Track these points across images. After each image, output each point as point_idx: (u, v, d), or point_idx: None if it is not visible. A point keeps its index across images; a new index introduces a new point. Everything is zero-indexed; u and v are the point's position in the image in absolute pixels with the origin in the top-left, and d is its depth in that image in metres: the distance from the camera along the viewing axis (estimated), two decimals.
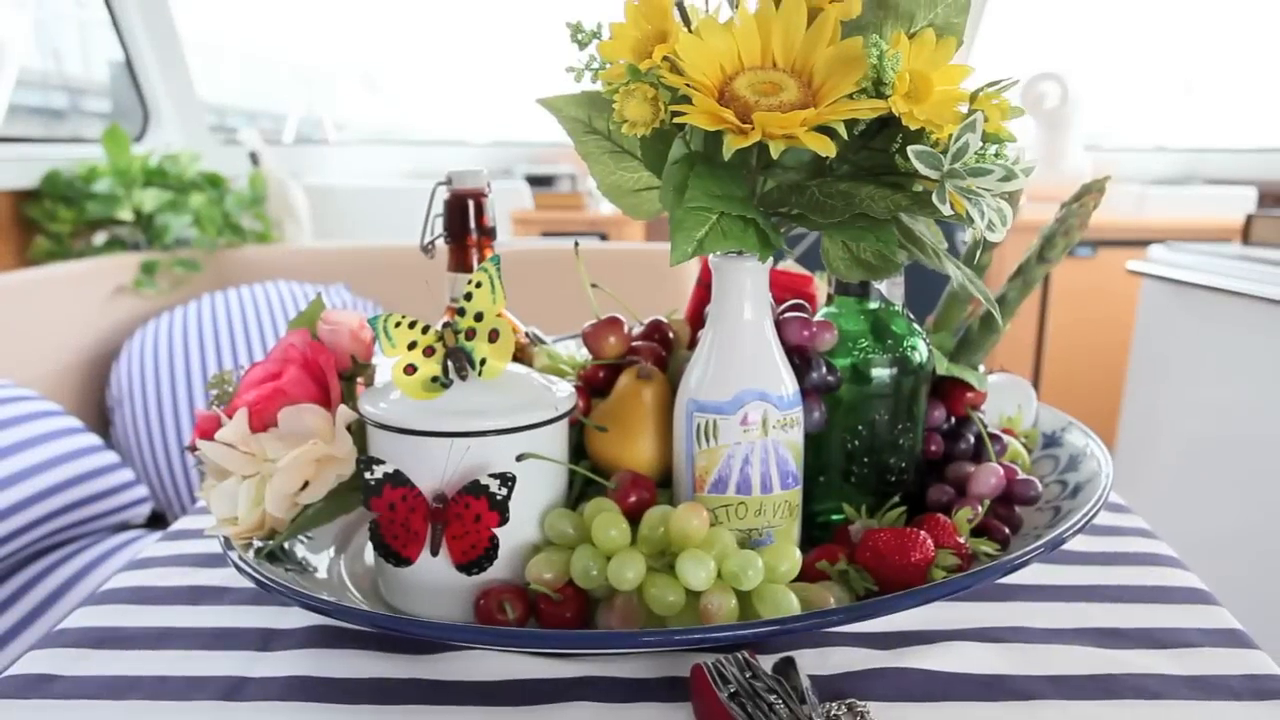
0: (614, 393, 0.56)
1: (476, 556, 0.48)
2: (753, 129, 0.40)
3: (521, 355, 0.66)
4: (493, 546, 0.48)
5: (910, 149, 0.40)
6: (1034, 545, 0.49)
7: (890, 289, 0.57)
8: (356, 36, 3.20)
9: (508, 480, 0.47)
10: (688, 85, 0.41)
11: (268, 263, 1.70)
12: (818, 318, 0.57)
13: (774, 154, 0.40)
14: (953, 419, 0.61)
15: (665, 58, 0.42)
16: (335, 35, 3.20)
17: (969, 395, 0.60)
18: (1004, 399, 0.72)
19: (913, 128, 0.40)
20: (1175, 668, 0.48)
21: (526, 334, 0.70)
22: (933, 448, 0.60)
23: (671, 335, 0.61)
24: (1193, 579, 0.58)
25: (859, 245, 0.45)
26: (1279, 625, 1.63)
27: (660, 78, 0.42)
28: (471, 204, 0.62)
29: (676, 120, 0.40)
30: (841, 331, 0.57)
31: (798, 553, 0.48)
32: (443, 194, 0.62)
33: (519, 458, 0.49)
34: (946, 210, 0.40)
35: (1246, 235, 1.95)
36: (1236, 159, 2.85)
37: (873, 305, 0.57)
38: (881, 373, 0.56)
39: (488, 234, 0.63)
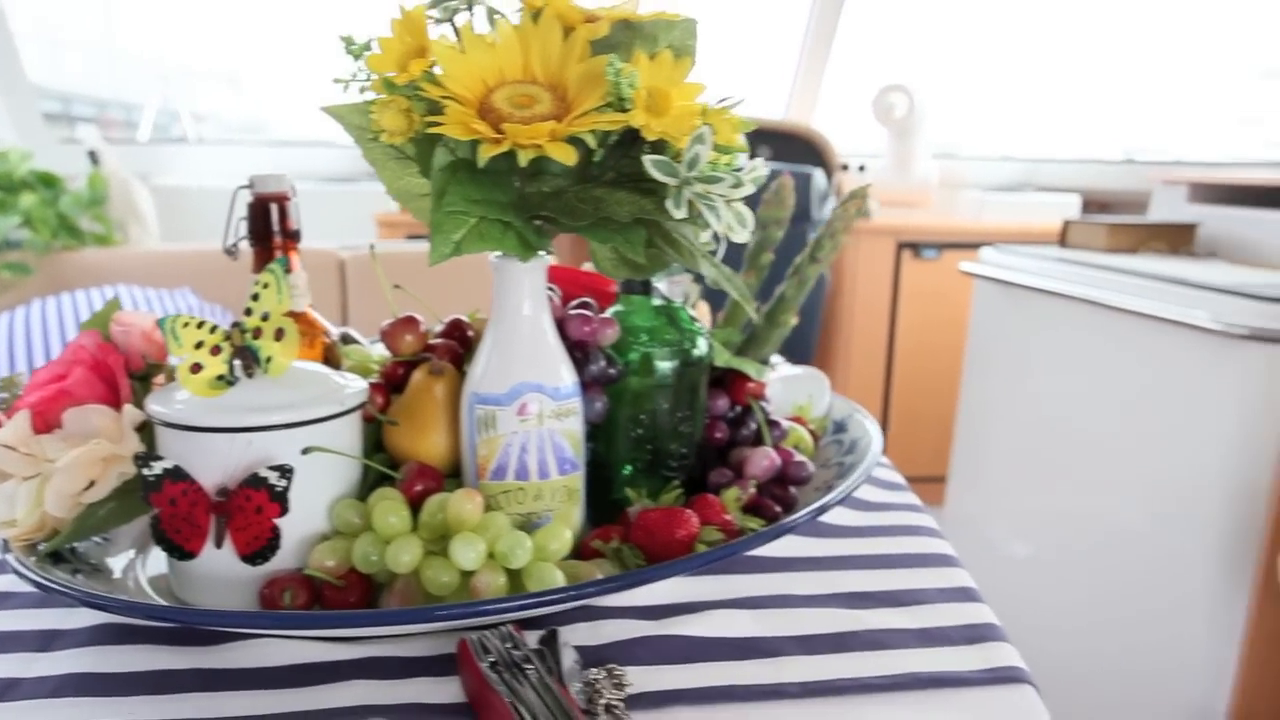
0: (408, 388, 0.59)
1: (260, 547, 0.50)
2: (505, 139, 0.44)
3: (330, 355, 0.68)
4: (275, 537, 0.50)
5: (646, 158, 0.44)
6: (784, 521, 0.54)
7: (670, 288, 0.61)
8: (220, 31, 3.10)
9: (286, 472, 0.49)
10: (444, 97, 0.44)
11: (108, 266, 1.64)
12: (607, 314, 0.61)
13: (522, 162, 0.43)
14: (736, 408, 0.66)
15: (425, 71, 0.45)
16: (198, 28, 3.10)
17: (750, 385, 0.65)
18: (798, 389, 0.77)
19: (650, 139, 0.44)
20: (909, 622, 0.53)
21: (340, 334, 0.71)
22: (717, 435, 0.65)
23: (471, 334, 0.63)
24: (945, 546, 0.64)
25: (631, 247, 0.48)
26: (1090, 584, 1.78)
27: (421, 90, 0.45)
28: (275, 208, 0.63)
29: (431, 130, 0.43)
30: (632, 327, 0.61)
31: (569, 533, 0.51)
32: (246, 197, 0.64)
33: (304, 451, 0.51)
34: (680, 214, 0.44)
35: (1063, 239, 2.10)
36: (1064, 168, 3.06)
37: (657, 303, 0.61)
38: (664, 365, 0.60)
39: (292, 237, 0.65)
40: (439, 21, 0.49)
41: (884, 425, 2.87)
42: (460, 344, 0.62)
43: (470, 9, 0.47)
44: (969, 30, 3.54)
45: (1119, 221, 2.03)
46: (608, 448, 0.62)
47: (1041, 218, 2.74)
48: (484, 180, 0.47)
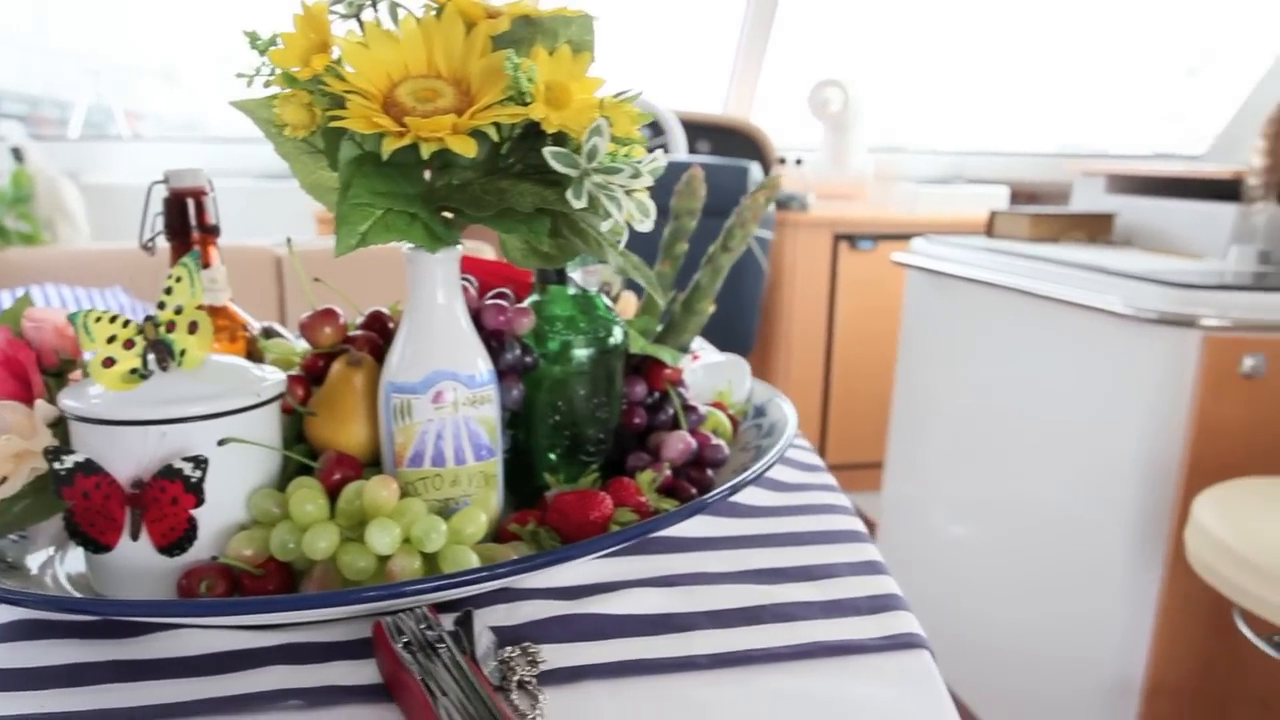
0: (327, 379, 0.59)
1: (177, 539, 0.50)
2: (408, 132, 0.44)
3: (253, 349, 0.68)
4: (192, 528, 0.50)
5: (546, 150, 0.45)
6: (694, 501, 0.55)
7: (585, 278, 0.62)
8: (156, 27, 3.04)
9: (201, 463, 0.49)
10: (347, 91, 0.44)
11: (35, 266, 1.61)
12: (525, 304, 0.62)
13: (424, 154, 0.44)
14: (655, 394, 0.67)
15: (329, 65, 0.45)
16: (132, 24, 3.03)
17: (667, 372, 0.66)
18: (719, 375, 0.79)
19: (549, 131, 0.45)
20: (816, 595, 0.55)
21: (262, 328, 0.71)
22: (636, 420, 0.66)
23: (391, 325, 0.64)
24: (856, 523, 0.66)
25: (535, 236, 0.49)
26: (1019, 561, 1.83)
27: (324, 84, 0.45)
28: (191, 202, 0.63)
29: (333, 124, 0.44)
30: (549, 316, 0.62)
31: (484, 517, 0.52)
32: (162, 193, 0.63)
33: (220, 442, 0.51)
34: (581, 204, 0.45)
35: (990, 229, 2.15)
36: (994, 161, 3.13)
37: (572, 292, 0.62)
38: (581, 353, 0.61)
39: (210, 232, 0.65)
40: (345, 17, 0.49)
41: (824, 413, 2.92)
42: (381, 335, 0.63)
43: (375, 5, 0.48)
44: (905, 26, 3.60)
45: (1041, 212, 2.09)
46: (528, 434, 0.63)
47: (972, 209, 2.80)
48: (391, 173, 0.47)
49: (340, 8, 0.49)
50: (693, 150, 2.98)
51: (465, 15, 0.47)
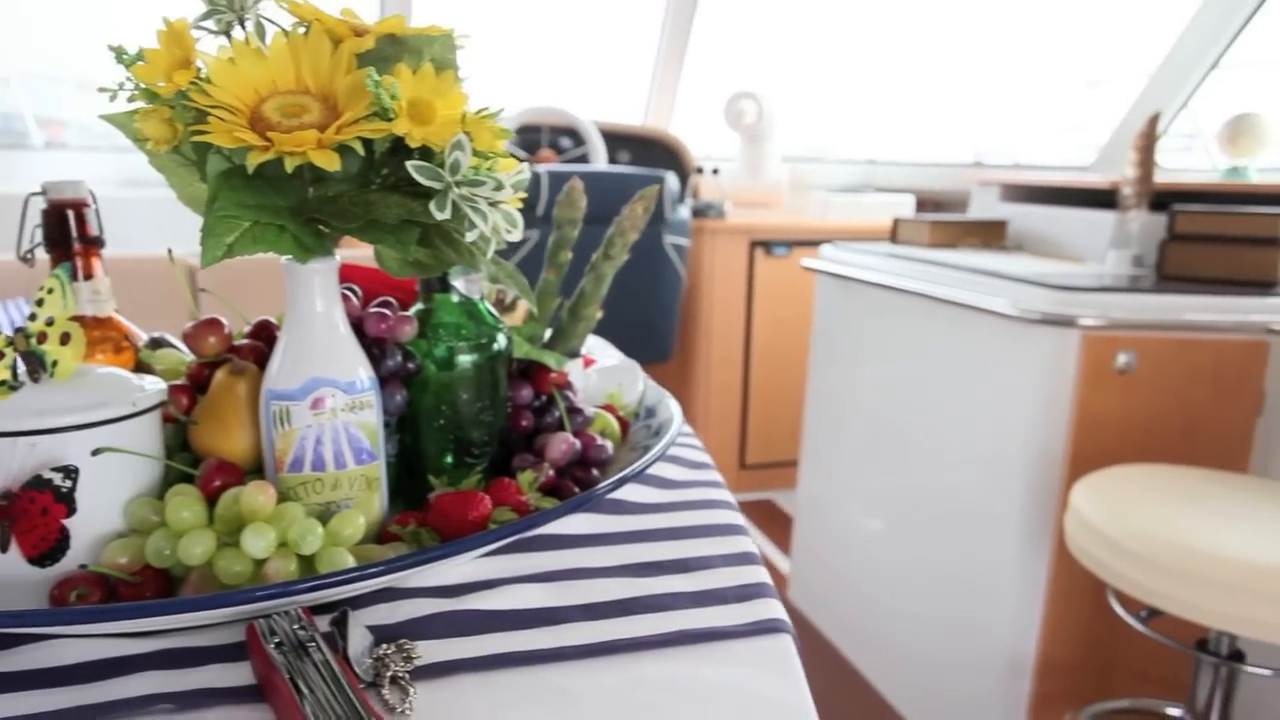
0: (210, 388, 0.59)
1: (48, 549, 0.49)
2: (272, 146, 0.44)
3: (142, 360, 0.67)
4: (64, 538, 0.49)
5: (409, 164, 0.45)
6: (572, 499, 0.56)
7: (468, 286, 0.63)
8: (70, 33, 2.93)
9: (71, 473, 0.49)
10: (211, 106, 0.44)
11: None
12: (410, 312, 0.62)
13: (288, 168, 0.44)
14: (541, 397, 0.68)
15: (194, 80, 0.45)
16: (45, 32, 2.92)
17: (552, 376, 0.67)
18: (611, 379, 0.80)
19: (413, 146, 0.46)
20: (689, 586, 0.57)
21: (151, 339, 0.70)
22: (523, 423, 0.67)
23: (278, 334, 0.63)
24: (736, 517, 0.68)
25: (402, 247, 0.50)
26: (924, 550, 1.88)
27: (190, 99, 0.45)
28: (71, 214, 0.62)
29: (196, 139, 0.44)
30: (435, 324, 0.63)
31: (362, 519, 0.53)
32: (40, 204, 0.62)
33: (94, 452, 0.51)
34: (444, 215, 0.46)
35: (893, 236, 2.21)
36: (901, 171, 3.21)
37: (456, 299, 0.63)
38: (465, 359, 0.62)
39: (93, 243, 0.64)
40: (216, 33, 0.49)
41: (744, 413, 2.96)
42: (267, 344, 0.62)
43: (242, 22, 0.48)
44: (819, 41, 3.67)
45: (940, 219, 2.15)
46: (415, 438, 0.63)
47: (881, 216, 2.87)
48: (261, 186, 0.47)
49: (211, 23, 0.49)
50: (613, 160, 3.00)
51: (332, 33, 0.48)
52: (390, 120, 0.46)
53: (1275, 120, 1.91)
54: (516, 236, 0.51)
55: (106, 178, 2.60)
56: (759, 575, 0.58)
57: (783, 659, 0.51)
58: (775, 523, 2.80)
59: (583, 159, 2.94)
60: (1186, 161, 2.61)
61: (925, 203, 3.07)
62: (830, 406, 2.18)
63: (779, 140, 3.18)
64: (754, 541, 0.64)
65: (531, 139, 2.97)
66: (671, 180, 2.49)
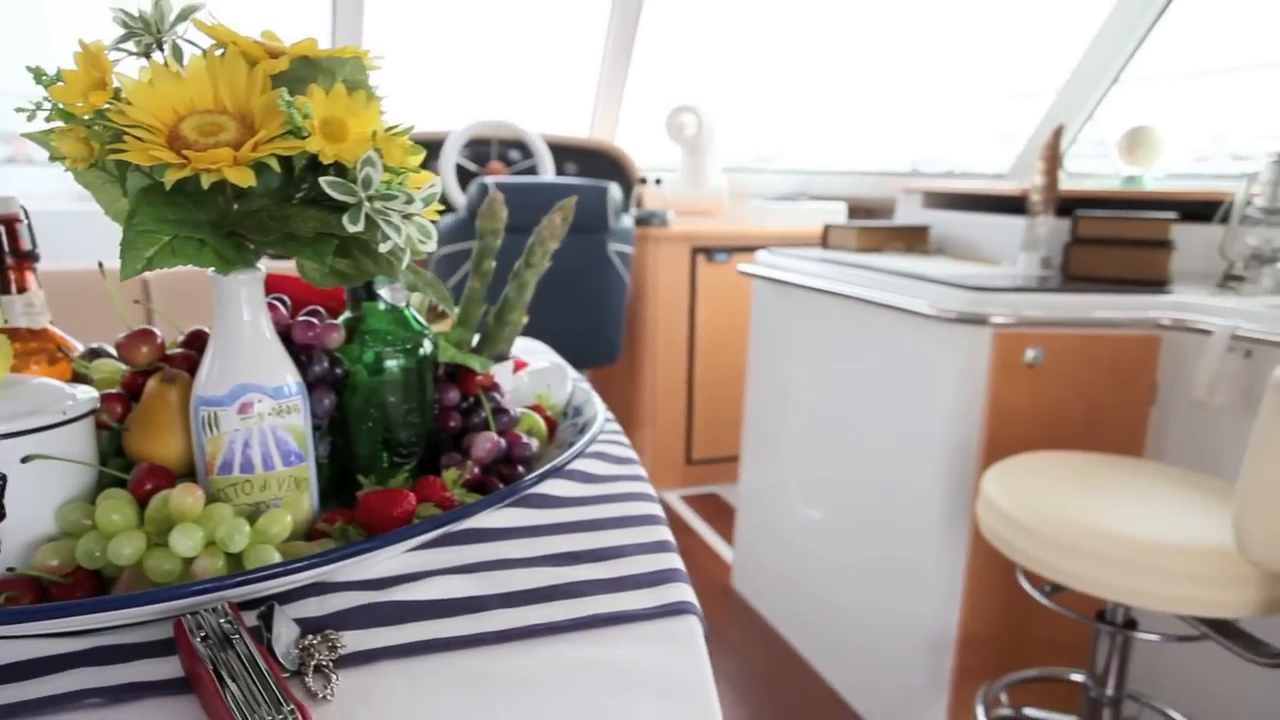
0: (143, 396, 0.59)
1: None
2: (189, 163, 0.45)
3: (78, 370, 0.66)
4: None
5: (322, 179, 0.46)
6: (493, 494, 0.57)
7: (394, 294, 0.63)
8: (32, 48, 2.86)
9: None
10: (128, 126, 0.45)
11: None
12: (340, 319, 0.63)
13: (204, 185, 0.44)
14: (469, 399, 0.69)
15: (113, 100, 0.45)
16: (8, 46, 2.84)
17: (478, 378, 0.68)
18: (540, 381, 0.81)
19: (325, 162, 0.46)
20: (605, 573, 0.58)
21: (87, 349, 0.70)
22: (451, 423, 0.67)
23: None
24: (654, 508, 0.69)
25: (319, 258, 0.50)
26: (857, 536, 1.90)
27: (108, 119, 0.45)
28: (2, 229, 0.61)
29: (113, 157, 0.44)
30: (364, 331, 0.63)
31: (289, 517, 0.53)
32: None
33: (24, 459, 0.50)
34: (356, 228, 0.46)
35: (824, 241, 2.25)
36: (835, 179, 3.26)
37: (383, 307, 0.63)
38: (393, 364, 0.62)
39: (26, 257, 0.63)
40: (136, 55, 0.49)
41: (689, 411, 2.98)
42: (200, 353, 0.62)
43: (160, 45, 0.48)
44: (758, 55, 3.71)
45: (867, 225, 2.19)
46: (346, 439, 0.63)
47: (815, 223, 2.91)
48: (182, 201, 0.48)
49: (131, 45, 0.49)
50: (560, 171, 3.00)
51: (247, 55, 0.48)
52: (304, 138, 0.46)
53: (1168, 132, 1.98)
54: (431, 247, 0.51)
55: (72, 192, 2.53)
56: (672, 562, 0.60)
57: (687, 638, 0.52)
58: (720, 515, 2.83)
59: (531, 171, 2.94)
60: (1103, 167, 2.67)
61: (857, 210, 3.12)
62: (768, 404, 2.21)
63: (719, 151, 3.21)
64: (670, 530, 0.66)
65: (481, 152, 2.96)
66: (615, 190, 2.50)
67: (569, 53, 3.40)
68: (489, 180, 2.41)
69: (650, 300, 2.87)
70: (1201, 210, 1.75)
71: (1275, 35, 2.22)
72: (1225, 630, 1.08)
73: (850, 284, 1.84)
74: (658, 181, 3.11)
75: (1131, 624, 1.26)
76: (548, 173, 2.85)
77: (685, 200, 3.12)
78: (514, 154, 2.99)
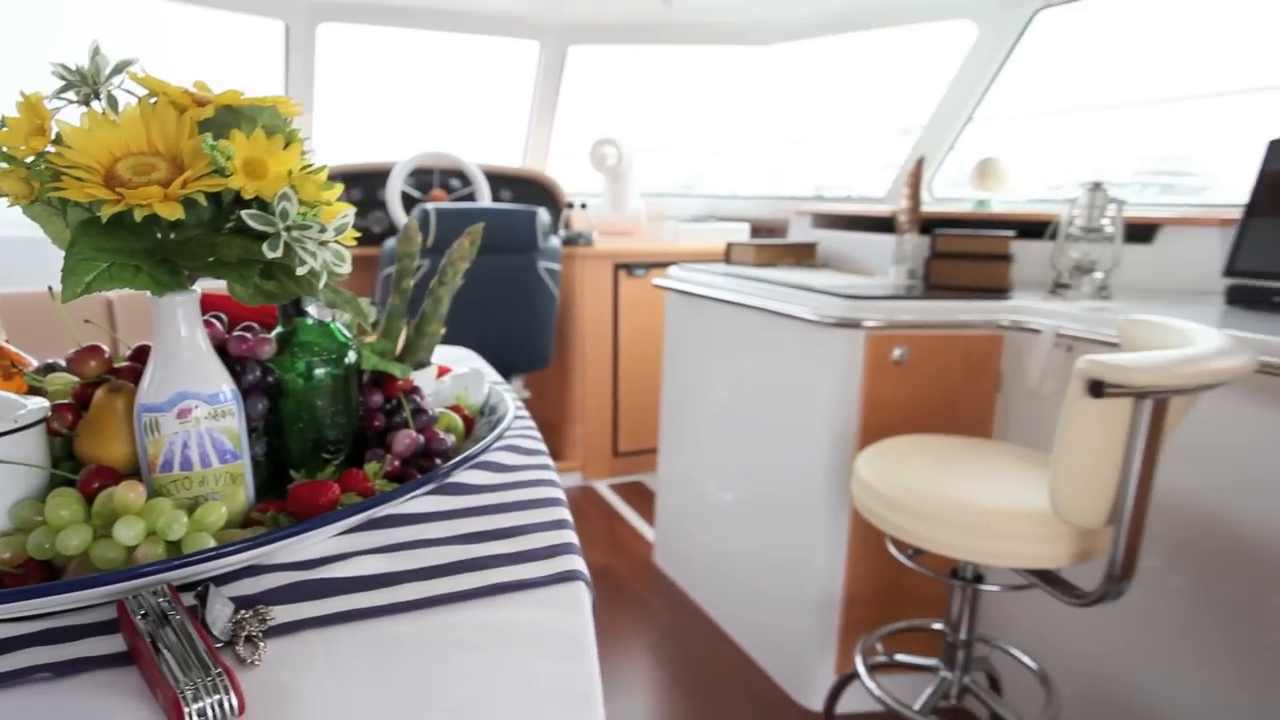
0: (91, 405, 0.59)
1: None
2: (123, 199, 0.46)
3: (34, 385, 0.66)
4: None
5: (243, 212, 0.47)
6: (409, 483, 0.59)
7: (320, 310, 0.64)
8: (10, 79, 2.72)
9: None
10: (67, 167, 0.45)
11: None
12: (273, 334, 0.64)
13: (137, 218, 0.45)
14: (392, 401, 0.70)
15: (54, 143, 0.46)
16: None
17: (399, 383, 0.70)
18: (459, 384, 0.83)
19: (247, 197, 0.48)
20: (508, 549, 0.60)
21: (42, 365, 0.69)
22: (376, 423, 0.69)
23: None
24: (557, 492, 0.71)
25: (244, 281, 0.51)
26: (761, 514, 1.95)
27: (49, 160, 0.46)
28: None
29: (53, 195, 0.45)
30: (296, 343, 0.64)
31: (224, 508, 0.54)
32: None
33: None
34: (275, 254, 0.48)
35: (727, 257, 2.30)
36: (739, 203, 3.33)
37: (311, 322, 0.65)
38: (321, 372, 0.64)
39: None
40: (77, 103, 0.50)
41: (615, 409, 3.00)
42: (145, 366, 0.62)
43: (98, 95, 0.49)
44: (675, 93, 3.76)
45: (764, 243, 2.25)
46: (280, 439, 0.64)
47: (723, 241, 2.97)
48: (120, 232, 0.48)
49: (71, 94, 0.50)
50: (496, 197, 3.00)
51: (177, 104, 0.49)
52: (227, 176, 0.48)
53: (1012, 163, 2.09)
54: (346, 270, 0.53)
55: (26, 221, 2.43)
56: (566, 537, 0.62)
57: (574, 600, 0.54)
58: (643, 499, 2.86)
59: (470, 197, 2.93)
60: (963, 192, 2.79)
61: (759, 229, 3.19)
62: (681, 400, 2.25)
63: (638, 178, 3.25)
64: (568, 510, 0.68)
65: (425, 180, 2.94)
66: (544, 214, 2.52)
67: (504, 90, 3.40)
68: (430, 206, 2.40)
69: (578, 311, 2.89)
70: (1036, 229, 1.86)
71: (1121, 82, 2.35)
72: (1048, 579, 1.15)
73: (748, 295, 1.89)
74: (583, 206, 3.13)
75: (979, 579, 1.33)
76: (485, 199, 2.85)
77: (608, 222, 3.15)
78: (454, 182, 2.98)
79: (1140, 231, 1.75)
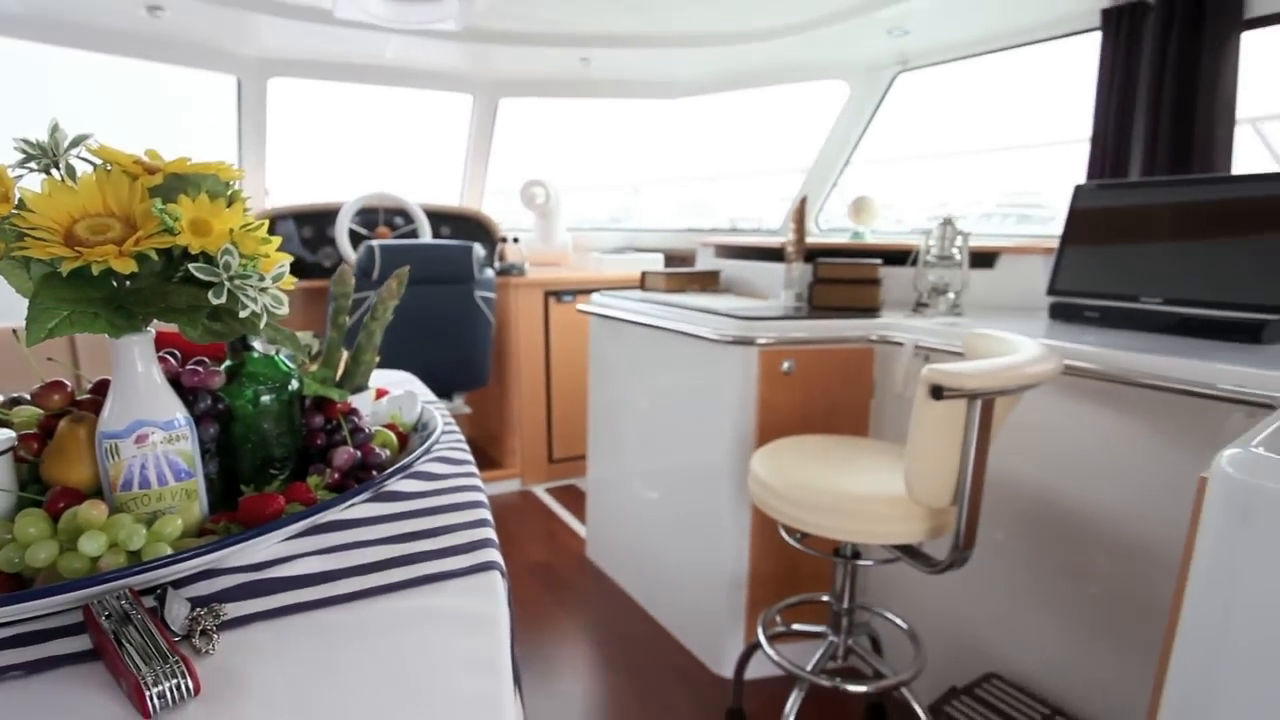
0: (56, 434, 0.60)
1: None
2: (81, 256, 0.48)
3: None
4: None
5: (190, 265, 0.50)
6: (346, 493, 0.62)
7: (264, 346, 0.67)
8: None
9: None
10: (29, 229, 0.47)
11: None
12: (222, 367, 0.66)
13: (94, 272, 0.48)
14: (331, 421, 0.73)
15: (16, 208, 0.48)
16: None
17: (338, 406, 0.72)
18: (395, 405, 0.86)
19: (194, 252, 0.50)
20: (434, 545, 0.63)
21: (8, 399, 0.69)
22: (318, 442, 0.71)
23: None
24: (480, 496, 0.74)
25: (192, 323, 0.54)
26: (679, 508, 1.99)
27: (12, 223, 0.48)
28: None
29: (17, 254, 0.46)
30: (247, 373, 0.66)
31: (180, 520, 0.56)
32: None
33: None
34: (219, 301, 0.51)
35: (642, 284, 2.36)
36: (655, 235, 3.40)
37: (257, 355, 0.67)
38: (267, 398, 0.66)
39: None
40: (40, 170, 0.52)
41: (549, 421, 3.02)
42: (104, 398, 0.63)
43: (57, 165, 0.51)
44: (597, 137, 3.82)
45: (674, 271, 2.32)
46: (232, 459, 0.66)
47: (639, 270, 3.04)
48: (79, 283, 0.50)
49: (32, 164, 0.51)
50: (436, 234, 3.00)
51: (129, 172, 0.51)
52: (175, 235, 0.50)
53: (880, 201, 2.21)
54: (284, 312, 0.56)
55: None
56: (485, 534, 0.66)
57: (489, 586, 0.58)
58: (576, 500, 2.89)
59: (413, 234, 2.92)
60: (846, 225, 2.92)
61: (672, 259, 3.27)
62: (606, 411, 2.29)
63: (565, 214, 3.30)
64: (489, 510, 0.72)
65: (370, 218, 2.92)
66: (479, 249, 2.53)
67: (442, 136, 3.40)
68: (375, 243, 2.39)
69: (513, 335, 2.91)
70: (901, 257, 1.98)
71: (981, 130, 2.51)
72: (910, 552, 1.24)
73: (660, 318, 1.95)
74: (515, 240, 3.16)
75: (857, 555, 1.41)
76: (425, 235, 2.84)
77: (538, 254, 3.19)
78: (398, 220, 2.96)
79: (984, 258, 1.88)
